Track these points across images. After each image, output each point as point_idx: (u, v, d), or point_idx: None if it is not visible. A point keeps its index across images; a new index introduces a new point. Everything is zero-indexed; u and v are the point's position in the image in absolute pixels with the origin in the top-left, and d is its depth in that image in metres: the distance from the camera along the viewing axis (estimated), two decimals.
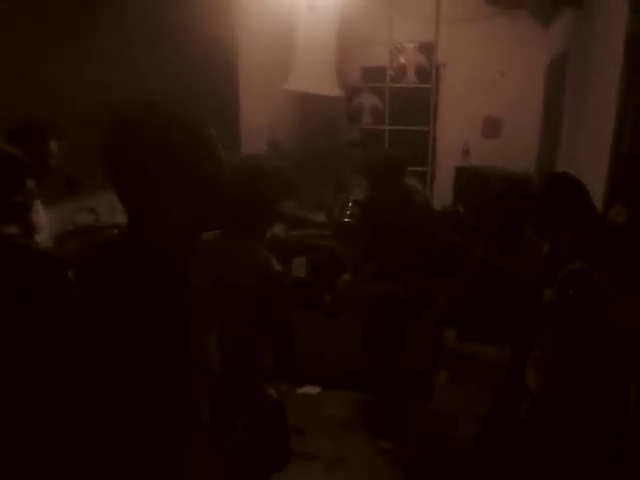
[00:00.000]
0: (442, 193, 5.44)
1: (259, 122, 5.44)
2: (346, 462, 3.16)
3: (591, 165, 2.88)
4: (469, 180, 5.17)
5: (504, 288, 3.98)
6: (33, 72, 3.58)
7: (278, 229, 4.35)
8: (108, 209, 3.24)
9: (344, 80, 5.30)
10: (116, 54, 4.08)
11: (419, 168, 5.59)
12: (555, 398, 1.96)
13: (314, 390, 3.84)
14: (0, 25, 3.48)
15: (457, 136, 5.55)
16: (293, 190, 5.12)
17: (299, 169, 5.32)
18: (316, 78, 4.63)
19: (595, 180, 2.10)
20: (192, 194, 1.08)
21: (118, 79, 4.01)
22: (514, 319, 3.30)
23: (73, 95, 3.73)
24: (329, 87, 4.76)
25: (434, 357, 4.00)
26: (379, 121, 5.76)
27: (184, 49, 4.50)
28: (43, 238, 2.58)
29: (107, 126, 1.07)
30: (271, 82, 4.98)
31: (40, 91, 3.56)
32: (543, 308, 2.10)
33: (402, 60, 5.64)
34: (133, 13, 4.25)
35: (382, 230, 3.21)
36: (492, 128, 5.48)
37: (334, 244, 4.27)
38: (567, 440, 1.95)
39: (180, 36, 4.46)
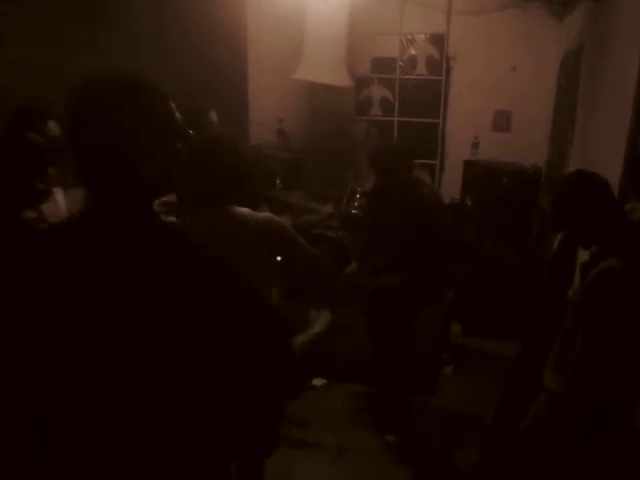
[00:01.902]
0: (451, 186, 5.40)
1: (268, 112, 5.42)
2: (349, 454, 3.16)
3: (605, 161, 2.84)
4: (478, 173, 5.13)
5: (511, 283, 3.96)
6: (38, 59, 3.58)
7: (285, 219, 4.33)
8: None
9: (354, 71, 5.25)
10: (123, 43, 4.06)
11: (428, 161, 5.56)
12: (578, 398, 1.94)
13: (319, 382, 3.83)
14: (10, 13, 3.47)
15: (467, 129, 5.49)
16: (300, 181, 5.11)
17: (307, 160, 5.30)
18: (326, 68, 4.59)
19: (609, 176, 2.07)
20: (153, 153, 1.08)
21: (123, 68, 3.99)
22: (522, 314, 3.29)
23: (76, 83, 3.72)
24: (339, 77, 4.72)
25: (439, 351, 3.98)
26: (388, 112, 5.72)
27: (192, 39, 4.48)
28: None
29: (69, 107, 1.08)
30: (280, 72, 4.95)
31: (43, 78, 3.55)
32: (567, 306, 2.07)
33: (412, 51, 5.58)
34: (140, 3, 4.22)
35: (388, 221, 3.19)
36: (502, 121, 5.43)
37: (342, 236, 4.26)
38: (588, 441, 1.93)
39: (188, 26, 4.44)
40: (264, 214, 2.06)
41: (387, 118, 5.72)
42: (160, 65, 4.29)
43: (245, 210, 1.98)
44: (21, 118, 2.62)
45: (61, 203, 2.62)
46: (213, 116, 3.41)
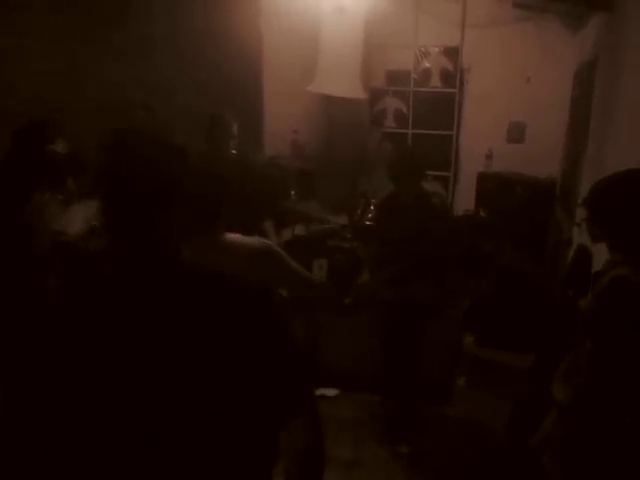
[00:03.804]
0: (465, 198, 5.40)
1: (283, 124, 5.46)
2: (361, 465, 3.15)
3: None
4: (492, 185, 5.12)
5: (526, 295, 3.93)
6: (59, 68, 3.65)
7: (299, 229, 4.36)
8: None
9: (368, 83, 5.29)
10: (140, 55, 4.13)
11: (442, 173, 5.56)
12: (588, 411, 1.91)
13: (332, 392, 3.83)
14: (33, 22, 3.56)
15: (481, 141, 5.50)
16: (315, 192, 5.13)
17: (321, 171, 5.32)
18: (341, 81, 4.63)
19: None
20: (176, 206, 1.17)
21: (139, 79, 4.07)
22: (536, 326, 3.27)
23: (93, 92, 3.79)
24: (353, 90, 4.75)
25: (452, 362, 3.96)
26: (402, 125, 5.74)
27: (208, 51, 4.54)
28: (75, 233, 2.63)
29: (102, 153, 1.16)
30: (295, 84, 4.99)
31: (63, 86, 3.63)
32: (578, 317, 2.05)
33: (427, 64, 5.61)
34: (159, 14, 4.29)
35: (400, 232, 3.20)
36: (516, 133, 5.43)
37: (355, 246, 4.27)
38: (601, 455, 1.90)
39: (204, 38, 4.50)
40: (256, 240, 2.03)
41: (401, 130, 5.74)
42: (178, 78, 4.37)
43: (236, 237, 1.96)
44: (37, 131, 2.67)
45: (79, 214, 2.66)
46: (234, 128, 3.50)
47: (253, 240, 2.01)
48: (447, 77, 5.56)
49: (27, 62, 3.48)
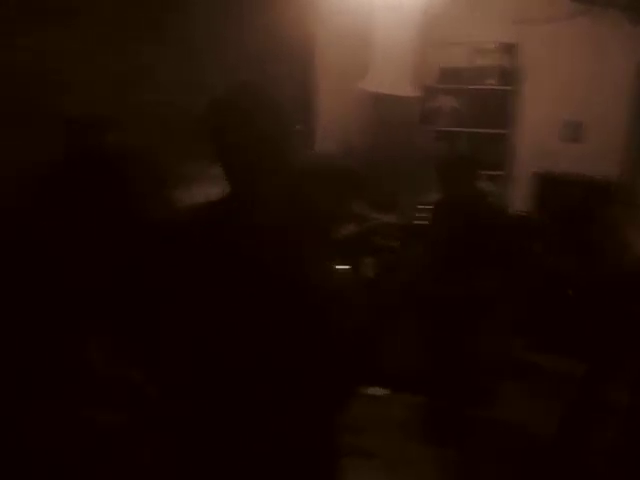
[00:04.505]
0: (519, 198, 5.29)
1: (333, 121, 5.48)
2: (403, 466, 3.14)
3: None
4: (547, 186, 5.00)
5: (577, 298, 3.84)
6: (110, 68, 3.76)
7: (348, 229, 4.36)
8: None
9: (421, 81, 5.24)
10: (187, 56, 4.20)
11: (495, 172, 5.46)
12: None
13: (379, 392, 3.83)
14: (82, 23, 3.66)
15: (536, 140, 5.36)
16: (365, 190, 5.12)
17: (372, 170, 5.31)
18: (394, 79, 4.59)
19: None
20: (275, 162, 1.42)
21: (186, 80, 4.15)
22: (588, 331, 3.18)
23: (140, 93, 3.89)
24: (406, 88, 4.71)
25: (500, 365, 3.90)
26: (456, 123, 5.66)
27: (258, 47, 4.57)
28: None
29: (211, 110, 1.42)
30: (347, 82, 4.99)
31: (111, 87, 3.73)
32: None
33: (482, 61, 5.51)
34: (206, 13, 4.34)
35: (452, 232, 3.17)
36: (573, 132, 5.26)
37: (404, 246, 4.25)
38: None
39: (254, 34, 4.53)
40: None
41: (454, 128, 5.66)
42: (223, 73, 4.41)
43: None
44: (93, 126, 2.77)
45: None
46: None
47: None
48: (502, 75, 5.45)
49: (89, 63, 3.60)
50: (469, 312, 3.23)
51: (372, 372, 3.38)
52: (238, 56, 4.51)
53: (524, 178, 5.34)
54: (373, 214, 4.69)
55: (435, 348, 3.39)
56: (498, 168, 5.48)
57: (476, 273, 3.09)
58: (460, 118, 5.65)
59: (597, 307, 3.24)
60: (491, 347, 3.67)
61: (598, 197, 4.62)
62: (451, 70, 5.64)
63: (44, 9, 3.43)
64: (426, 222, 4.27)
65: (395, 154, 5.52)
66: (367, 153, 5.47)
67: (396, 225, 4.56)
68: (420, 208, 4.48)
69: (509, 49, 5.36)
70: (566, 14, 4.94)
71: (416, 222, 4.43)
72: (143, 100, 3.84)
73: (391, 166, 5.39)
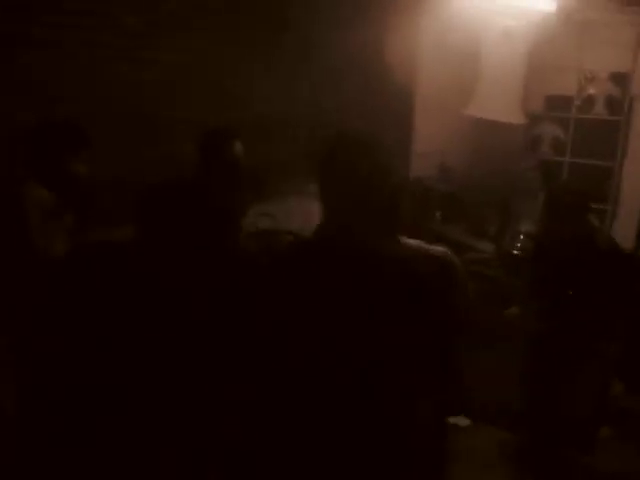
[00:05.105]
0: (623, 235, 5.04)
1: (431, 145, 5.44)
2: None
3: None
4: None
5: None
6: (224, 83, 3.92)
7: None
8: (285, 216, 3.46)
9: (527, 108, 5.13)
10: (293, 70, 4.31)
11: (599, 205, 5.24)
12: None
13: (463, 422, 3.74)
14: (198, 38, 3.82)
15: None
16: (461, 215, 5.06)
17: (468, 195, 5.24)
18: (501, 105, 4.54)
19: None
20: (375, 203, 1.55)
21: (292, 95, 4.25)
22: None
23: (252, 105, 4.02)
24: (513, 115, 4.63)
25: (598, 408, 3.71)
26: (559, 152, 5.49)
27: (359, 66, 4.63)
28: None
29: (324, 152, 1.57)
30: (448, 105, 4.96)
31: (228, 101, 3.88)
32: None
33: (591, 90, 5.33)
34: (313, 31, 4.44)
35: (557, 267, 3.07)
36: None
37: (500, 274, 4.15)
38: None
39: (357, 53, 4.58)
40: (438, 247, 1.95)
41: (557, 158, 5.50)
42: (325, 93, 4.50)
43: (416, 241, 1.90)
44: (217, 139, 2.90)
45: None
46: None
47: (435, 247, 1.97)
48: (613, 105, 5.25)
49: (190, 77, 3.75)
50: (569, 349, 3.11)
51: (460, 401, 3.32)
52: (346, 71, 4.57)
53: (629, 214, 5.10)
54: (470, 240, 4.62)
55: (531, 383, 3.28)
56: (601, 202, 5.26)
57: (584, 312, 2.97)
58: (562, 147, 5.49)
59: None
60: (592, 388, 3.51)
61: None
62: (558, 98, 5.48)
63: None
64: (525, 252, 4.17)
65: (493, 180, 5.41)
66: (465, 178, 5.40)
67: (493, 253, 4.46)
68: (520, 238, 4.37)
69: (622, 78, 5.17)
70: None
71: (515, 252, 4.32)
72: (254, 113, 3.98)
73: (490, 192, 5.29)
